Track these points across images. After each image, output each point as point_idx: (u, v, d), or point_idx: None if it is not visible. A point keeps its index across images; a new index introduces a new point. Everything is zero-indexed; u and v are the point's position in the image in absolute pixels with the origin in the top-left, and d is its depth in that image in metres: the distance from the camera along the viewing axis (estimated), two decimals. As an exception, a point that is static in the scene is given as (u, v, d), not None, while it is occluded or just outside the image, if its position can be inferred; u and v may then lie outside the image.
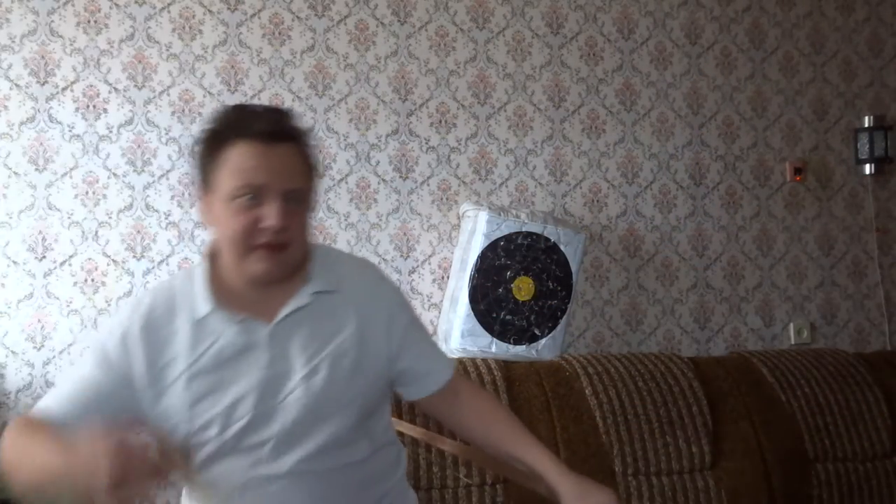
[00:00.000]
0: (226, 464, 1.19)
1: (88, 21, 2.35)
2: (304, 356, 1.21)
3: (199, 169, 1.22)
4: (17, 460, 1.09)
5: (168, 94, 2.39)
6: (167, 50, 2.40)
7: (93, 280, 2.29)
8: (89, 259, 2.30)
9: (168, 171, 2.37)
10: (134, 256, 2.33)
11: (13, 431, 1.14)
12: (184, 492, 1.33)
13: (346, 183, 2.52)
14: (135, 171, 2.35)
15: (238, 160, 1.16)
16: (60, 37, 2.32)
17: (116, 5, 2.37)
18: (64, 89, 2.32)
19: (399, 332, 1.32)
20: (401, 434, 1.80)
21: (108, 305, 2.29)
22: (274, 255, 1.17)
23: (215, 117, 1.23)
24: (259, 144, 1.16)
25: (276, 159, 1.17)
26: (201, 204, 1.24)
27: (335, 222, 2.50)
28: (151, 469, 0.95)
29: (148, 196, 2.35)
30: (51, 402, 1.19)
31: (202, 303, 1.20)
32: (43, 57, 2.31)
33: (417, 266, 2.55)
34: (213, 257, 1.25)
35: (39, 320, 2.25)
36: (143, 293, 1.27)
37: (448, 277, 2.52)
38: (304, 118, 2.47)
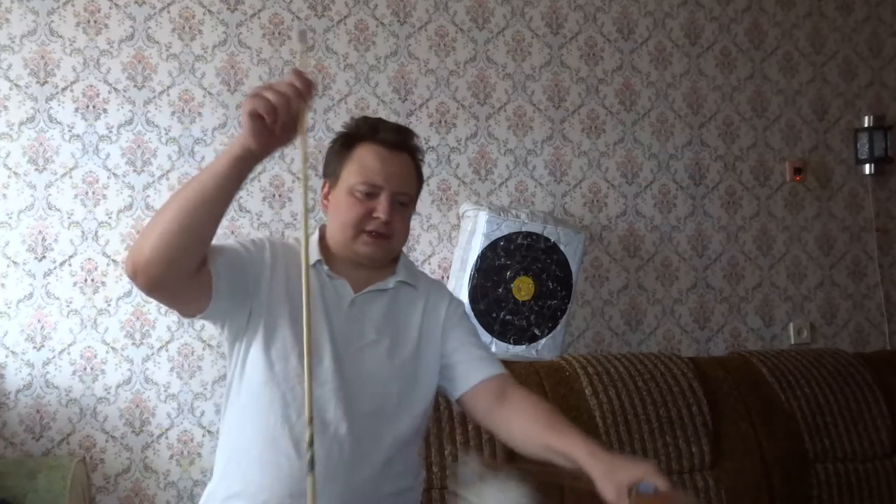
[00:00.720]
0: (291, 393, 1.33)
1: (88, 21, 2.35)
2: (374, 328, 1.40)
3: (330, 163, 1.45)
4: (168, 203, 1.18)
5: (168, 94, 2.39)
6: (167, 50, 2.40)
7: (93, 280, 2.29)
8: (89, 259, 2.30)
9: (168, 171, 2.37)
10: (134, 256, 2.33)
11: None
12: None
13: (346, 183, 2.52)
14: (135, 171, 2.35)
15: (364, 160, 1.40)
16: (60, 37, 2.32)
17: (116, 5, 2.37)
18: (64, 89, 2.32)
19: (454, 317, 1.50)
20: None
21: (108, 305, 2.29)
22: (378, 242, 1.39)
23: (352, 123, 1.47)
24: (383, 150, 1.41)
25: (394, 165, 1.41)
26: (325, 191, 1.46)
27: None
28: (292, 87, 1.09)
29: (148, 196, 2.35)
30: None
31: (314, 253, 1.40)
32: (43, 57, 2.31)
33: (417, 266, 2.54)
34: (322, 234, 1.47)
35: (39, 320, 2.25)
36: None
37: (448, 277, 2.52)
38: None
